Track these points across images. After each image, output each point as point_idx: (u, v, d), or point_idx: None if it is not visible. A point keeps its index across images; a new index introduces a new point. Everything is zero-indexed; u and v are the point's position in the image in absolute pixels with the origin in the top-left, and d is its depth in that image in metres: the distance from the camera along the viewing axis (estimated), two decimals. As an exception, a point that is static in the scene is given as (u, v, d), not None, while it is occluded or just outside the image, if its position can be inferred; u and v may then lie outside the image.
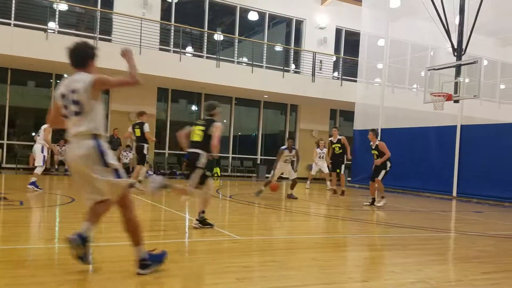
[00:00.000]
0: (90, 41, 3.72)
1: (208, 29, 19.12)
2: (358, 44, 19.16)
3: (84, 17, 17.90)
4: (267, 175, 18.27)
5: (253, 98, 20.33)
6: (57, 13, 16.30)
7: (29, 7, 15.99)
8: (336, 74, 21.38)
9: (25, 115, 17.39)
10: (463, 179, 14.42)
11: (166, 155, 18.81)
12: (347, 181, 15.61)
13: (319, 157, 14.69)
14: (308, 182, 15.47)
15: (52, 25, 16.20)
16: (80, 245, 3.64)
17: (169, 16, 18.46)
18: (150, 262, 3.74)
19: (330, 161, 13.35)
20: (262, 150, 20.80)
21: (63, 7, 16.56)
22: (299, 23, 21.11)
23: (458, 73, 13.60)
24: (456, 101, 13.91)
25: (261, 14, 20.29)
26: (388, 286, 4.01)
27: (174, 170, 18.49)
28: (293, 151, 11.53)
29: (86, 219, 3.80)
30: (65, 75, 17.43)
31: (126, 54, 3.70)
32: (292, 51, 21.05)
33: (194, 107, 20.33)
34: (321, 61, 20.21)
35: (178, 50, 17.32)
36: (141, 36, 15.71)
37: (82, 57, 3.70)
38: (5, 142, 16.51)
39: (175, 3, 18.68)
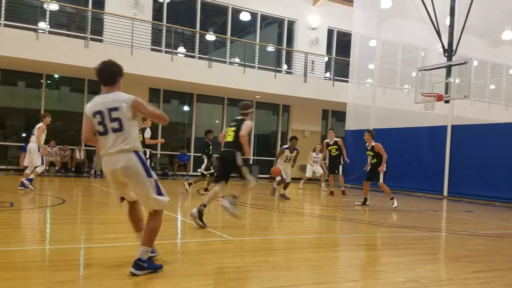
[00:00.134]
0: (115, 61, 4.02)
1: (200, 30, 19.08)
2: (350, 44, 19.25)
3: (75, 17, 17.78)
4: (260, 176, 18.31)
5: (245, 98, 20.28)
6: (47, 13, 16.18)
7: (19, 7, 15.85)
8: (328, 74, 21.43)
9: (16, 116, 17.24)
10: (454, 179, 14.54)
11: (158, 155, 18.74)
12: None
13: (314, 162, 14.94)
14: (302, 182, 15.54)
15: (42, 25, 16.08)
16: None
17: (161, 16, 18.40)
18: (146, 265, 3.77)
19: (325, 161, 13.36)
20: (255, 150, 20.80)
21: (54, 7, 16.44)
22: (291, 23, 21.14)
23: (448, 74, 13.70)
24: (447, 102, 14.02)
25: (253, 15, 20.29)
26: (380, 286, 4.03)
27: (166, 171, 18.44)
28: (295, 152, 11.55)
29: (135, 231, 4.18)
30: (56, 75, 17.35)
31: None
32: (284, 52, 21.08)
33: (186, 108, 20.28)
34: (313, 61, 20.26)
35: (170, 50, 17.27)
36: (132, 36, 15.64)
37: (111, 75, 3.93)
38: (-5, 143, 16.37)
39: (167, 3, 18.62)
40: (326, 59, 21.53)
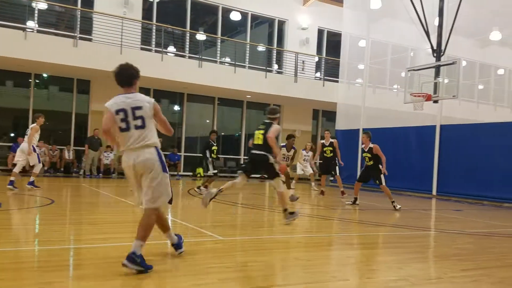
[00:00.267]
0: (131, 64, 4.39)
1: (190, 29, 19.04)
2: (340, 44, 19.32)
3: (64, 16, 17.64)
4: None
5: (236, 98, 20.31)
6: (36, 12, 16.04)
7: (7, 5, 15.69)
8: (318, 74, 21.50)
9: (4, 116, 17.04)
10: (443, 178, 14.66)
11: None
12: (329, 180, 15.72)
13: (304, 160, 15.01)
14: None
15: (31, 24, 15.92)
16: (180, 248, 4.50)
17: (151, 16, 18.32)
18: (139, 261, 3.80)
19: (320, 161, 13.33)
20: (245, 150, 20.79)
21: (43, 6, 16.29)
22: (281, 23, 21.17)
23: (437, 74, 13.81)
24: (436, 101, 14.12)
25: (244, 14, 20.29)
26: (370, 284, 4.05)
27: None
28: (292, 150, 11.55)
29: (163, 232, 4.45)
30: (44, 75, 17.18)
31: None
32: (275, 52, 21.11)
33: (176, 107, 20.21)
34: (303, 61, 20.31)
35: (160, 49, 17.22)
36: (122, 35, 15.55)
37: (128, 78, 4.22)
38: (-18, 143, 16.19)
39: (157, 2, 18.55)
40: (317, 59, 21.60)
